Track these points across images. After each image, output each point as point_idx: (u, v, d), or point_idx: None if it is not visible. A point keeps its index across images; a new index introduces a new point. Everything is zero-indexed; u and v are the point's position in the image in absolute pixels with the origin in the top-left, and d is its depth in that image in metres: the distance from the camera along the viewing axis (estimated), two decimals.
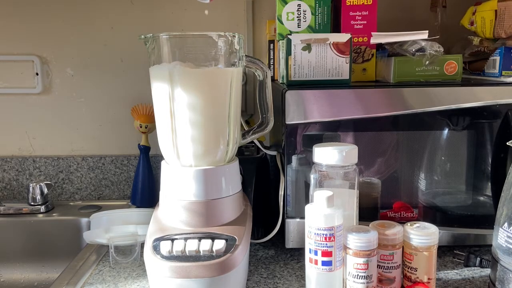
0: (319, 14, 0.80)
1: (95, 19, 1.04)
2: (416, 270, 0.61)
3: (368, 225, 0.62)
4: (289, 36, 0.72)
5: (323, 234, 0.58)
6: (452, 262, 0.74)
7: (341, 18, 0.80)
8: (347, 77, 0.73)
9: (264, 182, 0.82)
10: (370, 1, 0.79)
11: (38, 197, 1.01)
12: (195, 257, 0.58)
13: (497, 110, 0.70)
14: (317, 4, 0.80)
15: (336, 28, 0.83)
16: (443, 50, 0.73)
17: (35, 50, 1.05)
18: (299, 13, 0.80)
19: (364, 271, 0.58)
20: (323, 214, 0.58)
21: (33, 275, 0.99)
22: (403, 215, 0.74)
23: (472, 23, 0.86)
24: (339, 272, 0.59)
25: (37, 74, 1.05)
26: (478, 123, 0.71)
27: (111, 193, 1.10)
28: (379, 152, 0.72)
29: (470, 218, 0.74)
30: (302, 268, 0.71)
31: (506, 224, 0.58)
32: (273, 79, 0.94)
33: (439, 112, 0.70)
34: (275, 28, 0.87)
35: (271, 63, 0.96)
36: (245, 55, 0.68)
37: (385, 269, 0.61)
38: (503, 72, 0.79)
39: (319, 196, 0.58)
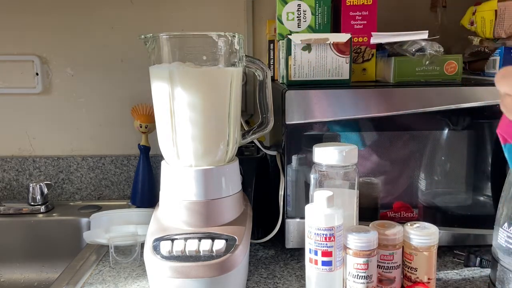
0: (319, 14, 0.80)
1: (95, 19, 1.04)
2: (416, 270, 0.61)
3: (368, 225, 0.62)
4: (289, 36, 0.72)
5: (323, 234, 0.58)
6: (452, 262, 0.74)
7: (341, 18, 0.80)
8: (347, 77, 0.73)
9: (264, 182, 0.82)
10: (370, 1, 0.79)
11: (38, 197, 1.01)
12: (195, 257, 0.58)
13: (497, 110, 0.69)
14: (317, 4, 0.80)
15: (336, 28, 0.83)
16: (443, 50, 0.73)
17: (35, 50, 1.05)
18: (299, 13, 0.80)
19: (364, 271, 0.58)
20: (323, 214, 0.58)
21: (33, 275, 0.99)
22: (403, 215, 0.74)
23: (472, 23, 0.86)
24: (339, 272, 0.59)
25: (37, 74, 1.05)
26: (478, 123, 0.71)
27: (111, 193, 1.10)
28: (379, 152, 0.72)
29: (470, 218, 0.74)
30: (302, 268, 0.71)
31: (506, 224, 0.58)
32: (273, 79, 0.94)
33: (439, 112, 0.70)
34: (275, 28, 0.86)
35: (271, 63, 0.96)
36: (245, 55, 0.68)
37: (385, 269, 0.61)
38: None
39: (319, 196, 0.58)
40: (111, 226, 0.76)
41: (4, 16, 1.04)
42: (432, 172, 0.73)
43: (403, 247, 0.62)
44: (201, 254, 0.58)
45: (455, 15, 0.91)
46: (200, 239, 0.60)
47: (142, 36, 0.64)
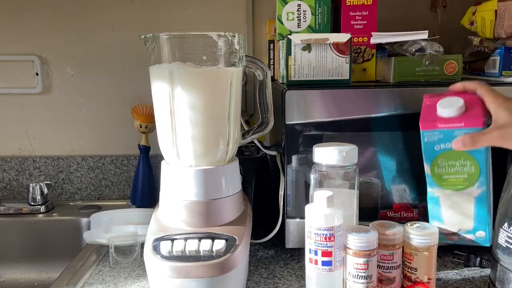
0: (319, 14, 0.80)
1: (95, 19, 1.04)
2: (416, 270, 0.61)
3: (368, 225, 0.62)
4: (289, 36, 0.72)
5: (323, 234, 0.58)
6: (452, 262, 0.74)
7: (341, 18, 0.80)
8: (347, 77, 0.73)
9: (264, 182, 0.82)
10: (370, 1, 0.79)
11: (38, 197, 1.01)
12: (195, 257, 0.58)
13: None
14: (317, 4, 0.80)
15: (336, 28, 0.83)
16: (443, 50, 0.73)
17: (35, 50, 1.05)
18: (299, 13, 0.80)
19: (364, 271, 0.58)
20: (323, 214, 0.58)
21: (33, 275, 0.99)
22: (403, 215, 0.74)
23: (472, 23, 0.86)
24: (339, 272, 0.59)
25: (37, 74, 1.05)
26: None
27: (111, 193, 1.10)
28: (379, 152, 0.72)
29: None
30: (302, 268, 0.71)
31: (506, 224, 0.58)
32: (273, 79, 0.94)
33: None
34: (275, 28, 0.87)
35: (271, 63, 0.96)
36: (245, 55, 0.68)
37: (385, 269, 0.61)
38: (503, 72, 0.79)
39: (319, 196, 0.58)
40: (111, 226, 0.76)
41: (4, 16, 1.04)
42: None
43: (403, 247, 0.62)
44: (201, 254, 0.58)
45: (455, 15, 0.91)
46: (200, 239, 0.60)
47: (142, 36, 0.65)
